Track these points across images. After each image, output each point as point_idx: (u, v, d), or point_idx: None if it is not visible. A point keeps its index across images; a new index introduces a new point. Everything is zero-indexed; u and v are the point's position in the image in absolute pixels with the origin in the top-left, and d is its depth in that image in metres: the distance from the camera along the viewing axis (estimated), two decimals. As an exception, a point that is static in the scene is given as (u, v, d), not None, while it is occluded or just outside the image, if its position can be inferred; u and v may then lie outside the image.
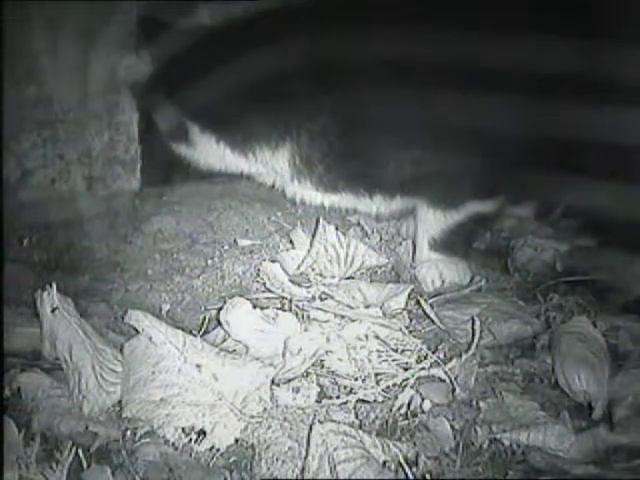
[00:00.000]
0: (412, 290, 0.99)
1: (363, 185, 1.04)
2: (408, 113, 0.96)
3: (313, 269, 1.02)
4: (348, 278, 1.03)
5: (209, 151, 1.07)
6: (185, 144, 1.08)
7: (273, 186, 1.14)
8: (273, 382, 0.84)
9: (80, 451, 0.77)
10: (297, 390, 0.85)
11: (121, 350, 0.87)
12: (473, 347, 0.90)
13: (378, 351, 0.89)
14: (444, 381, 0.87)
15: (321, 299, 0.97)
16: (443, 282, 1.08)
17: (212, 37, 1.00)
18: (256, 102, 0.99)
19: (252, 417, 0.81)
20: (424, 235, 1.10)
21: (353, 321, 0.91)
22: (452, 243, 1.09)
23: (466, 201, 1.05)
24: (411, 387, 0.86)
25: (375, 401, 0.85)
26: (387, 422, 0.83)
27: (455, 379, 0.87)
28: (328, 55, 0.94)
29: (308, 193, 1.09)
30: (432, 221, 1.08)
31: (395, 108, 0.96)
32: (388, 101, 0.95)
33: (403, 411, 0.84)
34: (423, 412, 0.84)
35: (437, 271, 1.09)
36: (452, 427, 0.82)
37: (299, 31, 0.95)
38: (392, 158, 1.01)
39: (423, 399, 0.85)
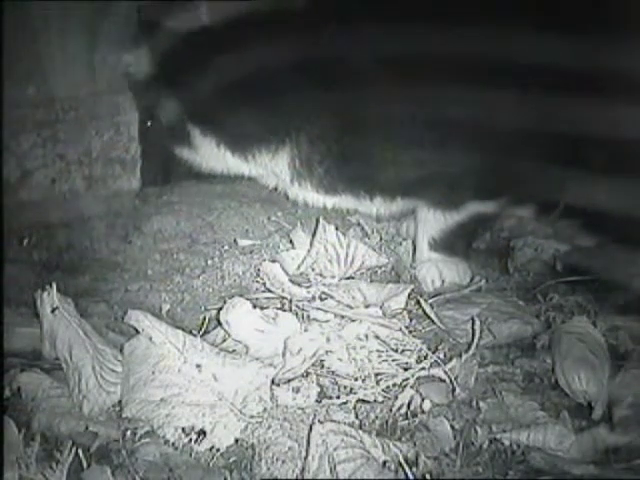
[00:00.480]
0: (412, 290, 0.99)
1: (363, 187, 1.04)
2: (408, 113, 0.96)
3: (313, 269, 1.02)
4: (348, 278, 1.03)
5: (210, 154, 1.07)
6: (186, 147, 1.08)
7: (275, 188, 1.14)
8: (273, 382, 0.84)
9: (80, 451, 0.77)
10: (297, 390, 0.85)
11: (121, 350, 0.87)
12: (473, 347, 0.90)
13: (378, 351, 0.89)
14: (444, 381, 0.87)
15: (321, 299, 0.96)
16: (443, 282, 1.08)
17: (211, 39, 0.99)
18: (254, 105, 0.99)
19: (252, 417, 0.81)
20: (424, 235, 1.10)
21: (353, 321, 0.91)
22: (452, 243, 1.09)
23: (467, 202, 1.05)
24: (411, 387, 0.86)
25: (375, 401, 0.85)
26: (387, 422, 0.83)
27: (455, 379, 0.87)
28: (326, 56, 0.94)
29: (310, 195, 1.09)
30: (432, 221, 1.08)
31: (394, 109, 0.96)
32: (387, 102, 0.95)
33: (403, 411, 0.84)
34: (423, 412, 0.84)
35: (437, 271, 1.09)
36: (452, 427, 0.82)
37: (297, 33, 0.94)
38: (392, 160, 1.00)
39: (423, 399, 0.85)
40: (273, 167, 1.05)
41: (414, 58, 0.89)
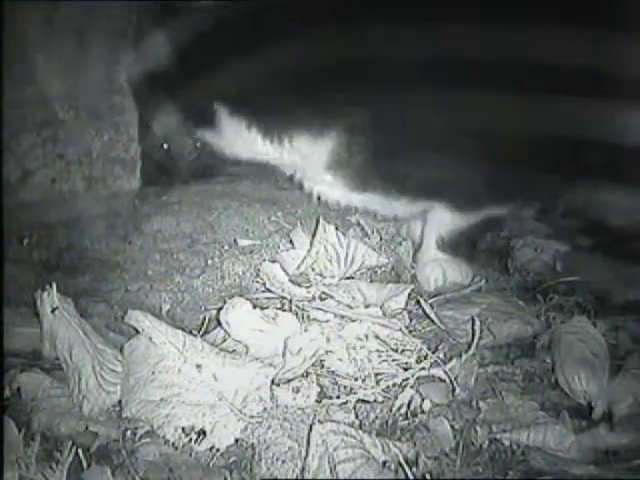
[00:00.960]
0: (412, 290, 0.99)
1: (395, 185, 1.03)
2: (446, 116, 0.95)
3: (313, 269, 1.02)
4: (348, 278, 1.03)
5: (237, 137, 1.03)
6: (210, 130, 1.04)
7: (291, 178, 1.12)
8: (273, 382, 0.84)
9: (80, 451, 0.77)
10: (297, 390, 0.85)
11: (121, 350, 0.87)
12: (473, 347, 0.90)
13: (378, 351, 0.89)
14: (444, 381, 0.87)
15: (321, 299, 0.96)
16: (445, 282, 1.08)
17: (251, 16, 0.95)
18: (300, 87, 0.95)
19: (252, 417, 0.81)
20: (432, 234, 1.09)
21: (353, 321, 0.91)
22: (459, 244, 1.09)
23: (484, 205, 1.04)
24: (411, 387, 0.86)
25: (375, 401, 0.85)
26: (387, 422, 0.83)
27: (455, 379, 0.87)
28: (377, 51, 0.92)
29: (325, 189, 1.08)
30: (447, 222, 1.07)
31: (436, 110, 0.94)
32: (430, 103, 0.94)
33: (403, 411, 0.84)
34: (423, 412, 0.84)
35: (441, 270, 1.08)
36: (452, 427, 0.82)
37: (348, 22, 0.92)
38: (425, 161, 0.99)
39: (423, 399, 0.85)
40: (310, 153, 1.01)
41: (442, 62, 0.89)
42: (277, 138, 1.02)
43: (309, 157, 1.03)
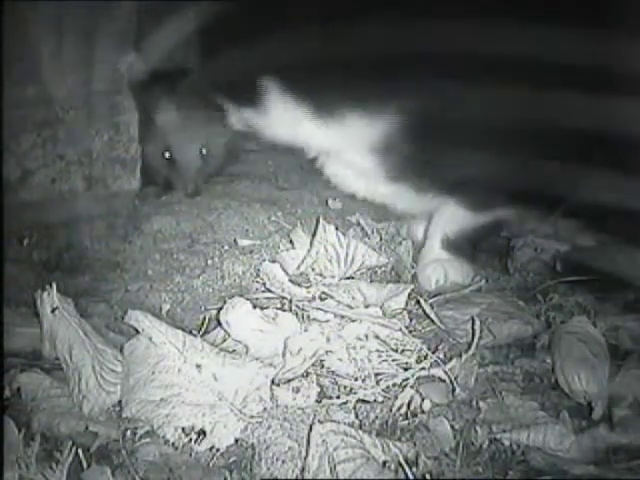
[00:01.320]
0: (412, 290, 0.99)
1: (427, 180, 1.01)
2: (470, 114, 0.93)
3: (313, 269, 1.02)
4: (348, 278, 1.03)
5: (283, 116, 0.98)
6: (253, 108, 1.00)
7: (314, 159, 1.10)
8: (273, 382, 0.84)
9: (80, 451, 0.77)
10: (297, 390, 0.85)
11: (121, 350, 0.87)
12: (473, 347, 0.90)
13: (378, 351, 0.89)
14: (444, 381, 0.87)
15: (321, 299, 0.96)
16: (446, 282, 1.08)
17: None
18: (364, 70, 0.91)
19: (252, 417, 0.81)
20: (438, 233, 1.09)
21: (353, 321, 0.91)
22: (462, 244, 1.08)
23: (497, 205, 1.04)
24: (411, 387, 0.86)
25: (375, 401, 0.85)
26: (387, 422, 0.83)
27: (455, 379, 0.87)
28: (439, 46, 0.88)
29: (346, 175, 1.06)
30: (456, 221, 1.06)
31: (461, 108, 0.92)
32: (476, 99, 0.90)
33: (403, 411, 0.84)
34: (423, 412, 0.84)
35: (442, 270, 1.08)
36: (452, 427, 0.82)
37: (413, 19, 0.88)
38: (460, 157, 0.96)
39: (423, 399, 0.85)
40: (356, 136, 0.98)
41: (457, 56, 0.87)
42: (327, 116, 0.97)
43: (353, 139, 0.99)
